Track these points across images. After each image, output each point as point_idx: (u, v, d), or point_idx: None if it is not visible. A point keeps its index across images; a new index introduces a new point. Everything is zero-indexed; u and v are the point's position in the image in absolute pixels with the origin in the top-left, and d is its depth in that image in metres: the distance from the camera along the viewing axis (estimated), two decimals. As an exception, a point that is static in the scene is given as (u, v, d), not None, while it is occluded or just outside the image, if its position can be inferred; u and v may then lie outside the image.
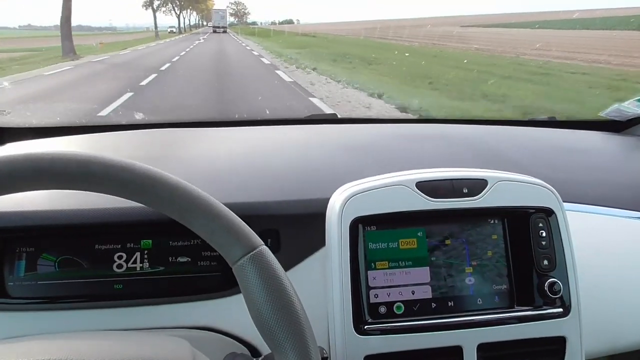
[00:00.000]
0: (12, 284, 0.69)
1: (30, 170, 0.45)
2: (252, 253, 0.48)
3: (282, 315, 0.46)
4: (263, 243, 0.49)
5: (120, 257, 0.71)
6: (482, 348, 0.66)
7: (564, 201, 0.72)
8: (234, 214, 0.49)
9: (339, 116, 1.22)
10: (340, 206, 0.66)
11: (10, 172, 0.45)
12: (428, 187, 0.68)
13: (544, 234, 0.70)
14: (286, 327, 0.46)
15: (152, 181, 0.47)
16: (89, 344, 0.44)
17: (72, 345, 0.43)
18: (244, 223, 0.49)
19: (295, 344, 0.45)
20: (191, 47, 15.78)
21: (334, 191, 0.71)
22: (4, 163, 0.45)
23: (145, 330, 0.67)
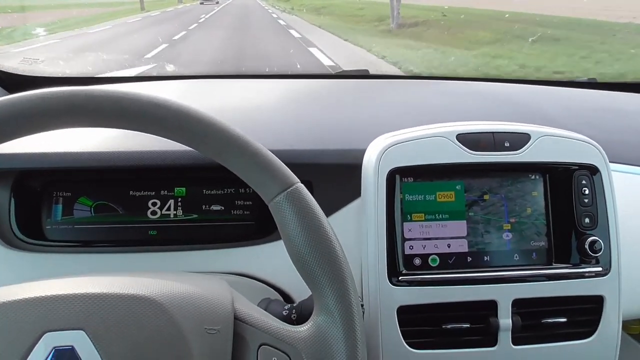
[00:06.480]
0: (49, 227, 0.70)
1: (64, 106, 0.44)
2: (288, 190, 0.46)
3: (319, 253, 0.45)
4: (299, 181, 0.48)
5: (154, 204, 0.72)
6: (517, 304, 0.65)
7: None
8: (269, 151, 0.48)
9: (370, 72, 1.20)
10: (377, 156, 0.64)
11: (45, 109, 0.44)
12: (469, 140, 0.66)
13: (586, 192, 0.68)
14: (324, 265, 0.45)
15: (187, 118, 0.46)
16: (126, 279, 0.44)
17: (110, 280, 0.44)
18: (280, 161, 0.48)
19: (334, 282, 0.45)
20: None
21: (369, 143, 0.69)
22: (37, 100, 0.43)
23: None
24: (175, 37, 8.44)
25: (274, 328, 0.44)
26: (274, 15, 15.83)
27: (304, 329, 0.45)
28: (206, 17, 15.15)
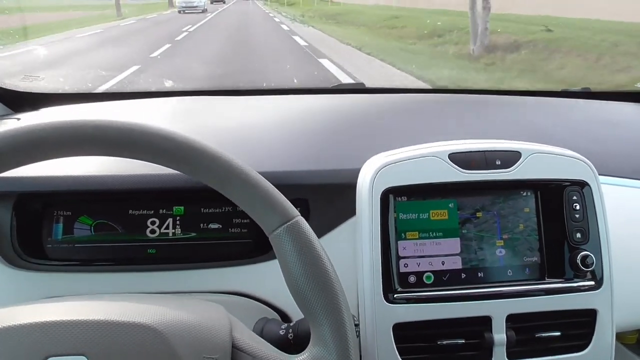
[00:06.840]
0: (50, 246, 0.72)
1: (74, 137, 0.47)
2: (288, 223, 0.48)
3: (317, 285, 0.47)
4: (299, 214, 0.50)
5: (153, 223, 0.73)
6: (512, 319, 0.66)
7: (599, 174, 0.70)
8: (270, 184, 0.50)
9: (366, 86, 1.21)
10: (371, 176, 0.66)
11: (57, 139, 0.47)
12: (461, 159, 0.67)
13: (577, 207, 0.69)
14: (321, 297, 0.47)
15: (192, 151, 0.48)
16: (127, 305, 0.45)
17: (111, 306, 0.45)
18: (281, 193, 0.50)
19: (330, 314, 0.47)
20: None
21: (364, 161, 0.70)
22: (51, 130, 0.46)
23: (179, 293, 0.69)
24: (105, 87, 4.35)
25: (271, 358, 0.45)
26: (284, 27, 12.80)
27: (300, 359, 0.46)
28: (191, 29, 12.21)
